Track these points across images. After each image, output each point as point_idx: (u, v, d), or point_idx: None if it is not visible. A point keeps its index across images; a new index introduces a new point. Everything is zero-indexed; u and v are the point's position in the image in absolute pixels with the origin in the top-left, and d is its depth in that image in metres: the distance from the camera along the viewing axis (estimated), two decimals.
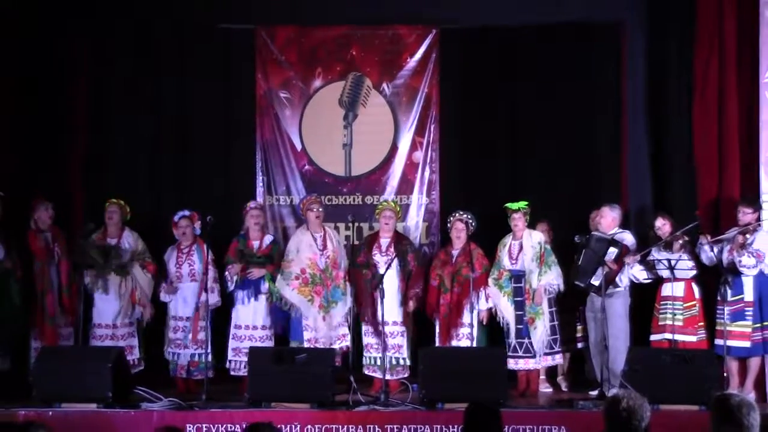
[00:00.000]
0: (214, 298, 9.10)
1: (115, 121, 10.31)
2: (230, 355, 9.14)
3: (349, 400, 8.15)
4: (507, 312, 9.06)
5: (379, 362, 8.97)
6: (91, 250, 9.02)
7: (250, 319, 9.16)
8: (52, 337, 8.91)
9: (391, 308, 9.01)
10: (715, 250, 8.72)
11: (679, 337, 8.70)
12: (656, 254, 8.87)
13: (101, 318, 9.09)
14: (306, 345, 9.03)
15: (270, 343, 9.12)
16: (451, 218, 9.29)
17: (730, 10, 9.25)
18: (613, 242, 8.82)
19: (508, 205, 9.16)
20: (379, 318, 8.83)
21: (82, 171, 10.10)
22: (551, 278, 9.02)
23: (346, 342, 9.12)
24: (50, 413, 7.72)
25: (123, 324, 9.13)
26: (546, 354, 9.08)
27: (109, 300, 9.09)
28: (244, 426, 7.37)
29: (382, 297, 8.61)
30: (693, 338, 8.78)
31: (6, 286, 8.70)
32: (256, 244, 9.24)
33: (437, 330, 9.21)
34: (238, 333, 9.16)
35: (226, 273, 9.09)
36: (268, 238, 9.40)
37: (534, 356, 9.02)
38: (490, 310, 9.13)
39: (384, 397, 8.21)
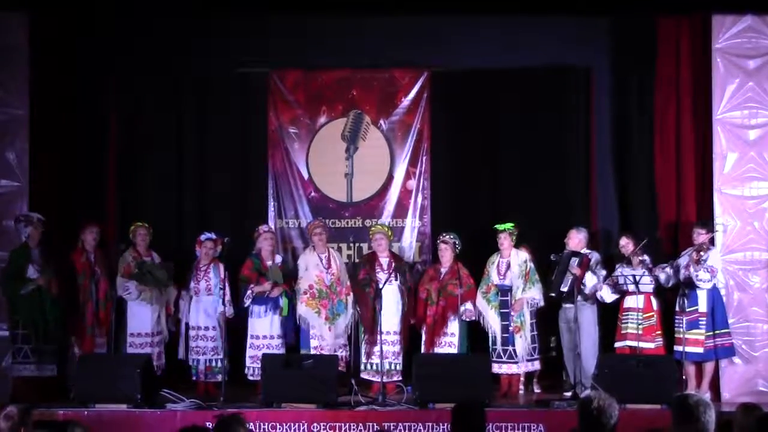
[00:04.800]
0: (230, 311, 9.12)
1: (143, 152, 10.31)
2: (248, 362, 9.10)
3: (350, 401, 8.16)
4: (494, 322, 9.07)
5: (381, 367, 8.97)
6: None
7: (267, 330, 9.15)
8: (89, 344, 8.93)
9: (389, 319, 9.04)
10: (671, 271, 8.77)
11: (639, 344, 8.73)
12: (621, 270, 8.91)
13: (140, 328, 9.06)
14: (313, 352, 9.02)
15: (282, 351, 9.12)
16: (438, 240, 9.34)
17: (686, 55, 9.36)
18: (575, 253, 8.88)
19: (497, 226, 9.20)
20: (378, 328, 8.87)
21: (115, 199, 10.15)
22: (534, 294, 9.04)
23: (345, 351, 9.14)
24: (86, 413, 7.75)
25: (157, 332, 9.16)
26: (527, 360, 9.09)
27: (148, 311, 9.09)
28: (253, 424, 7.54)
29: (380, 309, 8.63)
30: (651, 345, 8.80)
31: (40, 302, 8.71)
32: (269, 264, 9.25)
33: (423, 338, 9.21)
34: (255, 343, 9.13)
35: (249, 291, 9.06)
36: (278, 258, 9.43)
37: (517, 362, 9.03)
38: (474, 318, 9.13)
39: (382, 398, 8.22)
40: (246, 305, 9.12)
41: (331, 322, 9.15)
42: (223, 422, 4.62)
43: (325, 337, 9.12)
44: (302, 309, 9.15)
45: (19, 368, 8.66)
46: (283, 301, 9.17)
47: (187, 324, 9.22)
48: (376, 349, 8.98)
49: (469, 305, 9.05)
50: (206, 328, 9.14)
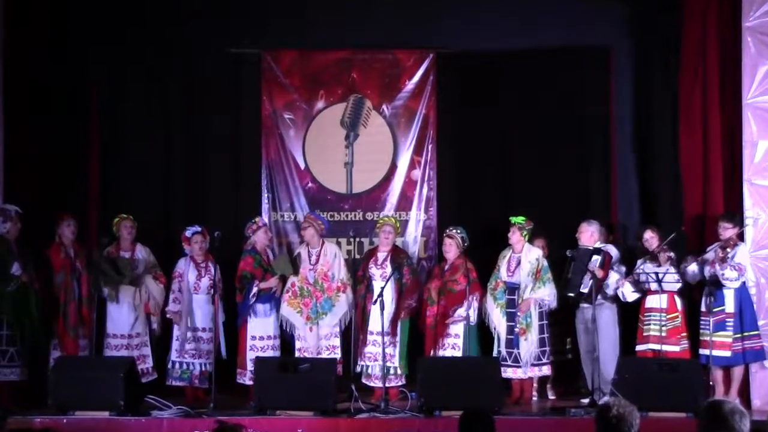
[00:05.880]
0: (220, 314, 9.05)
1: (127, 139, 10.27)
2: (249, 365, 9.00)
3: (350, 407, 8.11)
4: (499, 323, 9.01)
5: (371, 371, 8.97)
6: (103, 265, 8.96)
7: (271, 330, 9.12)
8: (73, 346, 8.86)
9: (386, 318, 8.96)
10: (696, 268, 8.68)
11: (663, 347, 8.65)
12: (644, 267, 8.83)
13: (116, 329, 9.03)
14: (296, 354, 8.98)
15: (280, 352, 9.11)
16: (444, 234, 9.27)
17: (713, 35, 9.24)
18: (595, 251, 8.81)
19: (512, 218, 9.12)
20: (371, 329, 8.85)
21: (98, 189, 10.09)
22: (544, 294, 8.94)
23: (336, 354, 9.06)
24: (65, 420, 7.69)
25: (137, 334, 9.09)
26: (533, 365, 8.99)
27: (124, 311, 9.04)
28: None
29: (382, 309, 8.57)
30: (676, 348, 8.73)
31: (25, 300, 8.64)
32: (271, 257, 9.24)
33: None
34: (257, 344, 9.08)
35: (255, 288, 9.00)
36: (271, 254, 9.39)
37: (521, 366, 8.94)
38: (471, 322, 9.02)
39: (384, 405, 8.14)
40: (251, 303, 9.04)
41: (313, 322, 9.08)
42: (221, 429, 4.60)
43: (306, 338, 9.07)
44: (284, 309, 9.12)
45: (5, 372, 8.57)
46: None
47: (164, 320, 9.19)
48: (366, 350, 8.99)
49: (461, 310, 8.92)
50: (203, 330, 9.09)
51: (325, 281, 9.17)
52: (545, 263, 9.04)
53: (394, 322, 9.09)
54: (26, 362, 8.66)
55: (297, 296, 9.11)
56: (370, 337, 8.91)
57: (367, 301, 8.99)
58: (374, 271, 9.17)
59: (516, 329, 8.94)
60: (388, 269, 9.10)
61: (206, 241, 9.16)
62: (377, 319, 8.68)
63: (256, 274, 9.06)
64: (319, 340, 9.07)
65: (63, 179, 9.76)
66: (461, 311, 8.91)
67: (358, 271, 9.25)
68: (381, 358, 8.67)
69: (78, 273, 9.01)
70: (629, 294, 8.90)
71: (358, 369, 9.12)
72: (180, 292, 9.14)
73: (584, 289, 8.76)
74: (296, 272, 9.16)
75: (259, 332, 9.11)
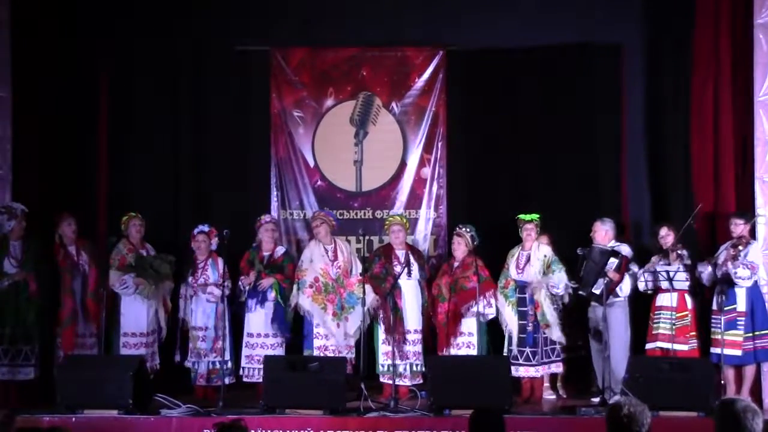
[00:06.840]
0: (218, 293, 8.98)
1: (135, 137, 10.27)
2: (243, 362, 9.11)
3: (360, 406, 8.10)
4: (511, 321, 9.02)
5: (404, 370, 8.96)
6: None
7: (261, 327, 9.13)
8: (68, 340, 8.86)
9: (411, 317, 9.00)
10: (710, 270, 8.66)
11: (673, 346, 8.65)
12: (657, 265, 8.82)
13: (134, 327, 9.02)
14: (316, 353, 9.00)
15: (281, 351, 9.10)
16: (453, 232, 9.28)
17: (725, 32, 9.26)
18: (613, 253, 8.78)
19: (521, 216, 9.13)
20: (410, 328, 8.90)
21: (106, 188, 10.10)
22: (554, 279, 8.92)
23: (351, 353, 9.06)
24: (73, 419, 7.70)
25: (152, 332, 9.11)
26: (545, 363, 9.00)
27: (143, 309, 9.05)
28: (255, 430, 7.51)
29: (401, 306, 8.57)
30: (685, 347, 8.72)
31: (17, 300, 8.67)
32: (267, 255, 9.24)
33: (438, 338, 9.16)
34: (250, 341, 9.14)
35: (240, 284, 9.05)
36: (280, 250, 9.41)
37: (535, 365, 8.95)
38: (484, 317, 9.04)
39: (393, 404, 8.16)
40: (241, 300, 9.11)
41: (339, 317, 9.10)
42: (222, 430, 4.60)
43: (334, 335, 9.07)
44: (306, 303, 9.09)
45: None
46: (275, 295, 9.09)
47: (185, 323, 9.19)
48: (405, 349, 8.99)
49: (475, 307, 8.92)
50: (206, 329, 9.12)
51: (345, 277, 9.20)
52: (555, 258, 9.04)
53: (427, 322, 9.15)
54: (29, 363, 8.69)
55: (321, 292, 9.11)
56: (408, 336, 8.91)
57: (397, 299, 8.96)
58: (399, 269, 9.07)
59: (528, 328, 8.94)
60: (415, 267, 9.12)
61: (209, 242, 9.18)
62: (410, 318, 8.80)
63: (244, 269, 9.14)
64: (346, 337, 9.07)
65: (71, 178, 9.80)
66: (474, 310, 8.91)
67: (374, 268, 9.17)
68: (391, 356, 8.69)
69: (82, 270, 9.03)
70: (626, 287, 8.89)
71: (386, 368, 9.04)
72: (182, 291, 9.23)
73: (596, 290, 8.74)
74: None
75: (253, 329, 9.16)
